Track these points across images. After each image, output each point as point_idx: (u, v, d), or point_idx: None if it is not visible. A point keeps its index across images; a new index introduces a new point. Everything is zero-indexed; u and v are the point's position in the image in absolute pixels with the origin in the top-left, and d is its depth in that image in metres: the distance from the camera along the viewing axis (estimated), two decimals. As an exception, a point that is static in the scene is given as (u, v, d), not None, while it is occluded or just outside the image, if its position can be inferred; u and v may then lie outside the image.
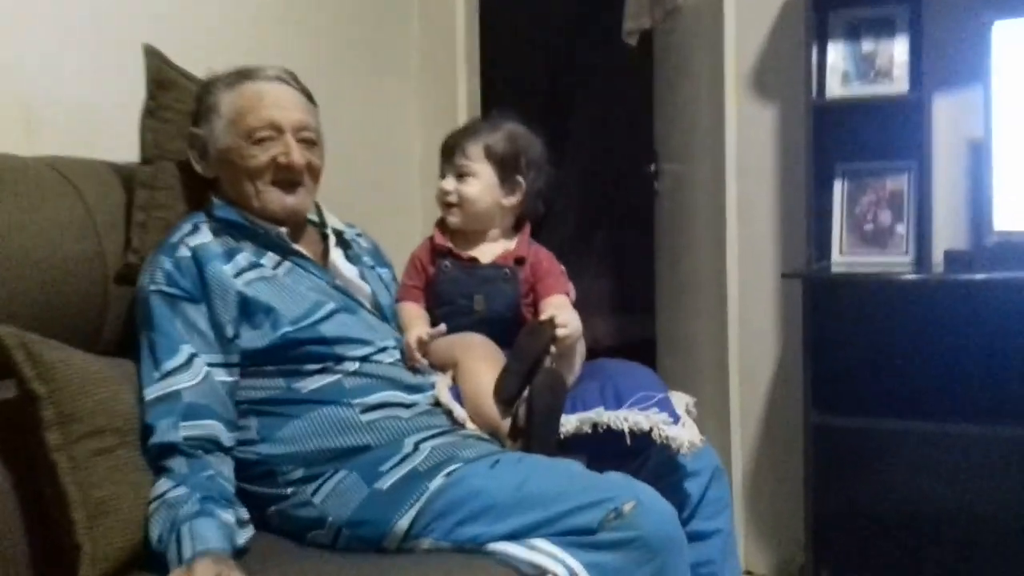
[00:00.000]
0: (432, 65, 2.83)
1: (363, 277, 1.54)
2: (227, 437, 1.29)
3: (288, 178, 1.45)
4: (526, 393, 1.31)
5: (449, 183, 1.54)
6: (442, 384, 1.39)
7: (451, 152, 1.55)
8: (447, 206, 1.54)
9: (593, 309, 5.10)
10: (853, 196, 2.11)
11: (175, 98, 1.48)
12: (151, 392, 1.26)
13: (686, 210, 2.82)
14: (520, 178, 1.53)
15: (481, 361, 1.39)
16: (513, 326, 1.46)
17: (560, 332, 1.36)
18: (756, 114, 2.39)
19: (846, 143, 2.13)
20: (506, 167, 1.53)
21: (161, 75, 1.46)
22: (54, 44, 1.58)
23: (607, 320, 5.13)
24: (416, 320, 1.49)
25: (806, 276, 1.93)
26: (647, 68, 3.20)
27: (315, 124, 1.51)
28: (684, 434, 1.33)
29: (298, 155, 1.44)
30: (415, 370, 1.41)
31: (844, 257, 2.10)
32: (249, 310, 1.33)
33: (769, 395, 2.44)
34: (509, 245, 1.54)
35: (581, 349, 1.50)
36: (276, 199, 1.44)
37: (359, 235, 1.68)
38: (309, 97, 1.53)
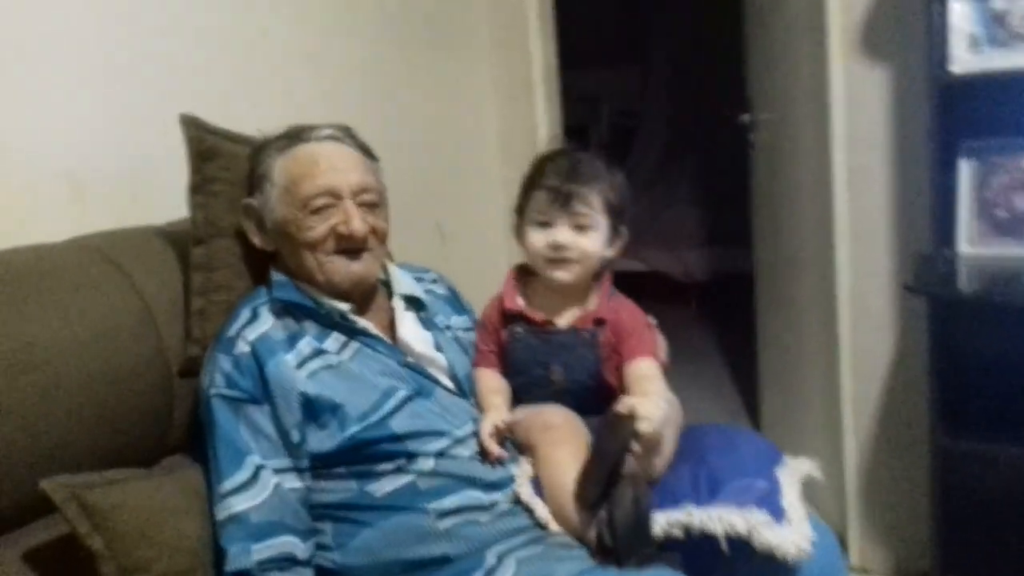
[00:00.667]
0: (503, 27, 2.64)
1: (438, 347, 1.42)
2: (303, 549, 1.22)
3: (351, 246, 1.33)
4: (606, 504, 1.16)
5: (565, 235, 1.32)
6: (523, 478, 1.26)
7: (567, 199, 1.31)
8: (560, 261, 1.33)
9: (685, 241, 4.88)
10: (982, 178, 1.86)
11: (222, 166, 1.36)
12: (219, 511, 1.20)
13: (786, 170, 2.59)
14: (624, 229, 1.38)
15: (562, 447, 1.25)
16: (597, 394, 1.32)
17: (642, 428, 1.14)
18: (866, 76, 2.11)
19: (973, 118, 1.85)
20: (616, 219, 1.36)
21: (203, 145, 1.34)
22: (99, 113, 1.50)
23: (699, 252, 4.90)
24: (492, 397, 1.35)
25: (933, 295, 1.70)
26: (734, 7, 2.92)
27: (376, 183, 1.38)
28: (789, 538, 1.15)
29: (359, 223, 1.32)
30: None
31: (973, 248, 1.85)
32: (314, 411, 1.24)
33: (885, 384, 2.25)
34: (587, 302, 1.36)
35: (675, 421, 1.31)
36: (341, 269, 1.33)
37: (434, 281, 1.56)
38: (368, 152, 1.40)
